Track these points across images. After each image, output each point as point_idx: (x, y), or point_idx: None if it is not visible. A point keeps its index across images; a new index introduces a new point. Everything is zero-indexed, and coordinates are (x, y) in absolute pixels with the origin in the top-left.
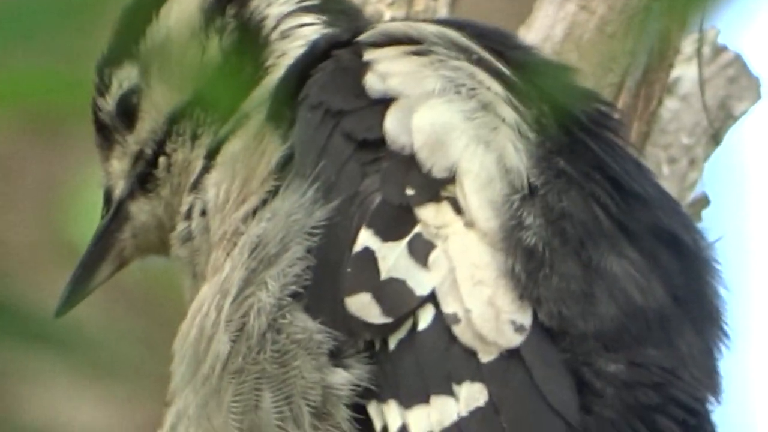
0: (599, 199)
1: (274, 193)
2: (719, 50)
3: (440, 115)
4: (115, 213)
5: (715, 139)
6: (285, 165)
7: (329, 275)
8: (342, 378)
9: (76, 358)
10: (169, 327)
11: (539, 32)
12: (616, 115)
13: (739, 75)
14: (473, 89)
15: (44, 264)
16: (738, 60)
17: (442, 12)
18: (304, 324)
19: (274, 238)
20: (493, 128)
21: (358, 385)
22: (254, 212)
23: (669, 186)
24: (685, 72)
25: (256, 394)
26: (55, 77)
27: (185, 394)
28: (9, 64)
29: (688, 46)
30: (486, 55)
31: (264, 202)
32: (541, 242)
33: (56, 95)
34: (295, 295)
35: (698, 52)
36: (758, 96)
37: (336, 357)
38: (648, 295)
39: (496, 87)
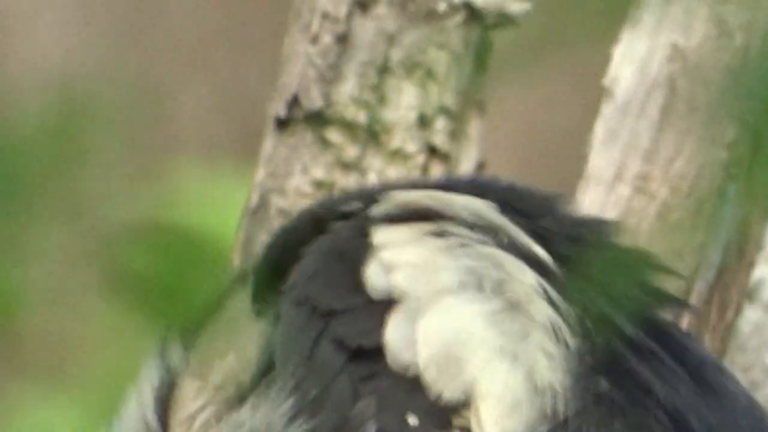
0: None
1: (242, 400)
2: None
3: (454, 321)
4: None
5: None
6: (263, 371)
7: None
8: None
9: None
10: None
11: None
12: (681, 316)
13: None
14: (500, 283)
15: None
16: None
17: None
18: None
19: None
20: (523, 335)
21: None
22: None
23: None
24: None
25: None
26: None
27: None
28: None
29: None
30: (521, 235)
31: (228, 410)
32: None
33: None
34: None
35: None
36: None
37: None
38: None
39: (530, 278)
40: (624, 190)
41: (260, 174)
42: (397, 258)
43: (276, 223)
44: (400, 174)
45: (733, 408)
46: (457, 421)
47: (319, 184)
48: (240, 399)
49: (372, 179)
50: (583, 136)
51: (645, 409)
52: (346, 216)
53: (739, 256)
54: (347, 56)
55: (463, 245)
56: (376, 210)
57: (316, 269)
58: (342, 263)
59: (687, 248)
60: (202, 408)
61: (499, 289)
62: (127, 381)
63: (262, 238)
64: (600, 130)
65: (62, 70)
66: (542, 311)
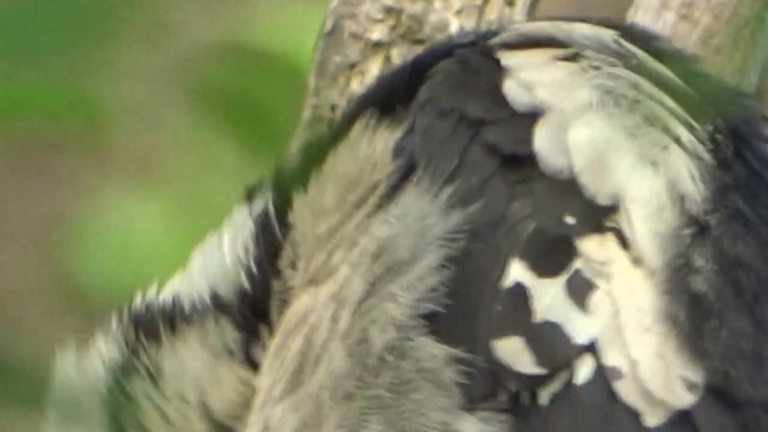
0: None
1: (393, 191)
2: None
3: (599, 132)
4: None
5: None
6: (402, 173)
7: (468, 309)
8: (473, 428)
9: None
10: None
11: None
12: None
13: None
14: (636, 101)
15: (46, 311)
16: None
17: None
18: (433, 352)
19: (404, 243)
20: (663, 147)
21: None
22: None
23: None
24: None
25: (364, 423)
26: (57, 93)
27: (279, 409)
28: (6, 78)
29: None
30: (648, 59)
31: (385, 200)
32: (711, 290)
33: (57, 112)
34: (428, 317)
35: None
36: None
37: (468, 402)
38: None
39: (664, 97)
40: (669, 17)
41: (334, 1)
42: (535, 77)
43: (348, 46)
44: (463, 4)
45: None
46: (608, 223)
47: (389, 10)
48: (386, 198)
49: (438, 8)
50: None
51: None
52: (464, 46)
53: None
54: None
55: (595, 67)
56: (496, 39)
57: (454, 84)
58: (479, 80)
59: (728, 71)
60: (358, 204)
61: (635, 106)
62: (208, 184)
63: (336, 60)
64: None
65: None
66: (679, 129)
